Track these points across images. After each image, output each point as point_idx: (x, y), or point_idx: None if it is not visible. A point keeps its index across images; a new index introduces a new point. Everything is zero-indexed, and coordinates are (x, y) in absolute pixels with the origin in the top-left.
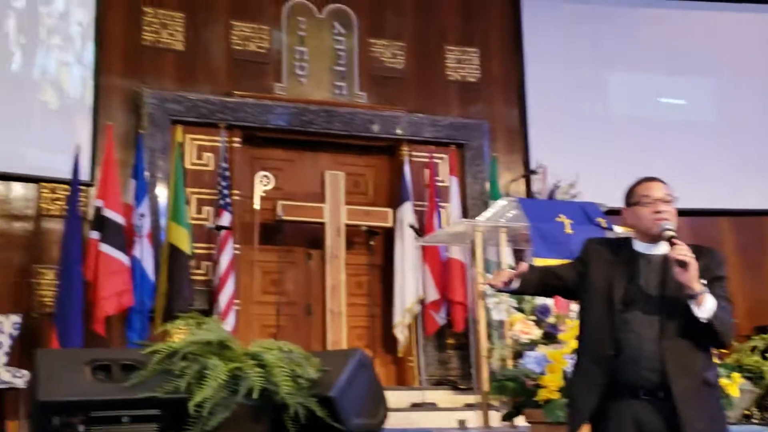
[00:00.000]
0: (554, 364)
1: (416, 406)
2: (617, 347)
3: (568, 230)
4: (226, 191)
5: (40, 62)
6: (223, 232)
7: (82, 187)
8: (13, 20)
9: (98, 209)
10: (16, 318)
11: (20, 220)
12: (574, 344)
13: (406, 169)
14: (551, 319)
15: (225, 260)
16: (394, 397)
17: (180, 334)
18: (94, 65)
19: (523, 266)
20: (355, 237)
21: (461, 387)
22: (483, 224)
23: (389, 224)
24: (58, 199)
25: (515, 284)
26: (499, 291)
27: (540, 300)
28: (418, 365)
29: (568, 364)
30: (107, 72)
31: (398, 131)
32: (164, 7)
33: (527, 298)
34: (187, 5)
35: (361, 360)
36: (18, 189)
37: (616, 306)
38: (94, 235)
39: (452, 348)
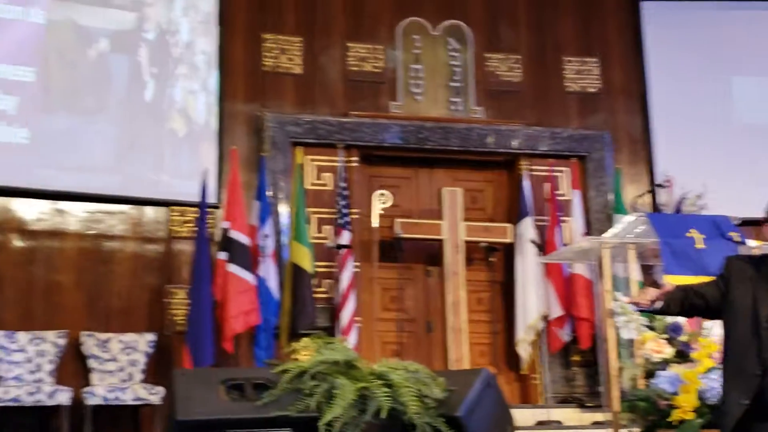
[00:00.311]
0: (688, 384)
1: (541, 424)
2: (764, 367)
3: (700, 245)
4: (345, 210)
5: (168, 91)
6: (343, 251)
7: (209, 210)
8: (145, 51)
9: (225, 231)
10: (150, 336)
11: (153, 242)
12: (708, 363)
13: (526, 183)
14: (684, 338)
15: (346, 278)
16: (519, 415)
17: (306, 352)
18: (218, 92)
19: (668, 286)
20: (474, 253)
21: (588, 405)
22: (610, 241)
23: (509, 240)
24: (187, 221)
25: (659, 304)
26: (643, 311)
27: (671, 318)
28: (543, 382)
29: (703, 384)
30: (230, 98)
31: (516, 145)
32: (283, 33)
33: (658, 316)
34: (305, 30)
35: (488, 379)
36: (150, 212)
37: (762, 324)
38: (222, 255)
39: (578, 365)
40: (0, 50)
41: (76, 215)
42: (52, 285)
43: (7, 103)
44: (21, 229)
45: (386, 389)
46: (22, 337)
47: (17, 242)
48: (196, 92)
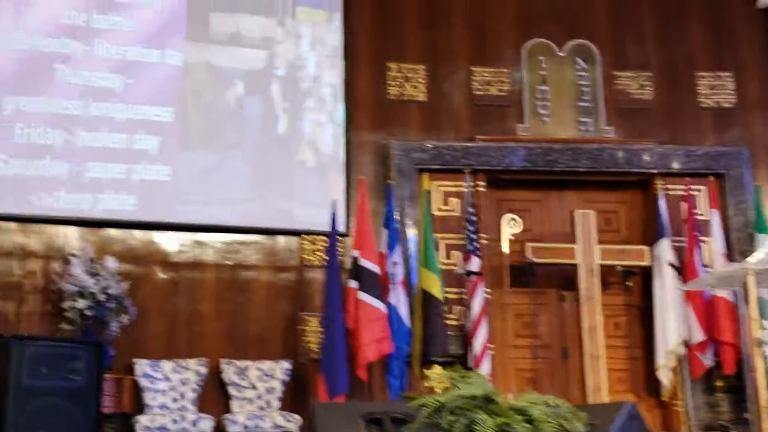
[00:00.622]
0: None
1: None
2: None
3: None
4: (473, 236)
5: (297, 124)
6: (473, 277)
7: (339, 238)
8: (276, 87)
9: (355, 259)
10: (286, 364)
11: (285, 270)
12: None
13: (661, 203)
14: None
15: (477, 305)
16: None
17: (440, 383)
18: (345, 122)
19: None
20: (610, 277)
21: None
22: (755, 267)
23: (646, 263)
24: (317, 250)
25: None
26: None
27: None
28: (686, 409)
29: None
30: (356, 128)
31: (650, 164)
32: (406, 62)
33: None
34: (428, 57)
35: (631, 412)
36: (282, 242)
37: None
38: (353, 284)
39: (722, 391)
40: (141, 93)
41: (214, 246)
42: (194, 315)
43: (149, 143)
44: (164, 261)
45: (527, 425)
46: (166, 366)
47: (161, 274)
48: (324, 124)
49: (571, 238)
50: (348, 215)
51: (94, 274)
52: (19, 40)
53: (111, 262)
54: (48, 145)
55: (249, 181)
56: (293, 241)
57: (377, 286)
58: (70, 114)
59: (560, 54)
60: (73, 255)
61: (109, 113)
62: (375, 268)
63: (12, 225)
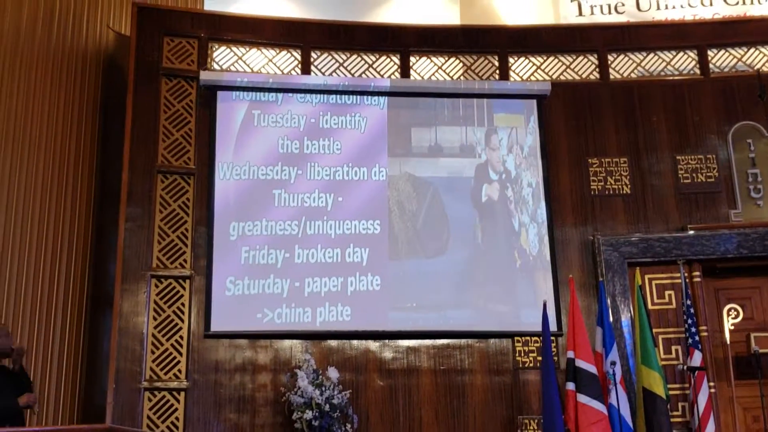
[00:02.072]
0: None
1: None
2: None
3: None
4: (693, 329)
5: (501, 225)
6: (697, 372)
7: (552, 338)
8: (477, 191)
9: (571, 360)
10: None
11: (500, 373)
12: None
13: None
14: None
15: (702, 400)
16: None
17: None
18: (548, 221)
19: None
20: None
21: None
22: None
23: None
24: (531, 351)
25: None
26: None
27: None
28: None
29: None
30: (560, 226)
31: None
32: (607, 156)
33: None
34: (630, 150)
35: None
36: (495, 344)
37: None
38: (570, 386)
39: None
40: (351, 208)
41: (427, 352)
42: (413, 420)
43: (360, 255)
44: (381, 369)
45: None
46: None
47: (379, 382)
48: (527, 224)
49: None
50: (558, 314)
51: (318, 385)
52: (242, 171)
53: (333, 373)
54: (270, 264)
55: (456, 286)
56: (506, 343)
57: (596, 387)
58: (288, 234)
59: None
60: (299, 367)
61: (322, 230)
62: (592, 368)
63: (243, 342)
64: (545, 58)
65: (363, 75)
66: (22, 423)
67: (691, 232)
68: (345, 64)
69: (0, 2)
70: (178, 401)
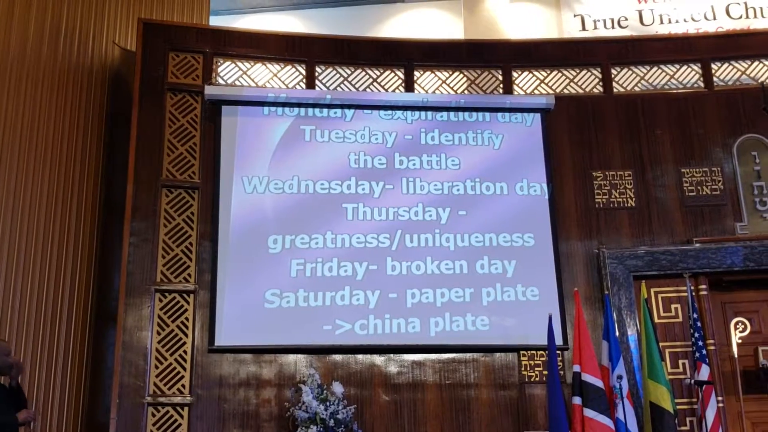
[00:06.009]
0: None
1: None
2: None
3: None
4: (700, 342)
5: (506, 239)
6: (704, 386)
7: (558, 352)
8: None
9: (577, 374)
10: None
11: (506, 388)
12: None
13: None
14: None
15: (711, 415)
16: None
17: None
18: (553, 234)
19: None
20: None
21: None
22: None
23: None
24: (536, 365)
25: None
26: None
27: None
28: None
29: None
30: (565, 239)
31: None
32: (612, 169)
33: None
34: (634, 163)
35: None
36: (501, 358)
37: None
38: (576, 400)
39: None
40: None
41: (432, 366)
42: None
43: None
44: (386, 383)
45: None
46: None
47: (384, 396)
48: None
49: None
50: (564, 327)
51: (323, 400)
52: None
53: (338, 387)
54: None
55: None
56: (511, 357)
57: (602, 401)
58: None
59: None
60: (303, 382)
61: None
62: (598, 382)
63: (247, 356)
64: (549, 71)
65: (368, 89)
66: None
67: (697, 245)
68: (349, 79)
69: (7, 18)
70: (181, 416)
